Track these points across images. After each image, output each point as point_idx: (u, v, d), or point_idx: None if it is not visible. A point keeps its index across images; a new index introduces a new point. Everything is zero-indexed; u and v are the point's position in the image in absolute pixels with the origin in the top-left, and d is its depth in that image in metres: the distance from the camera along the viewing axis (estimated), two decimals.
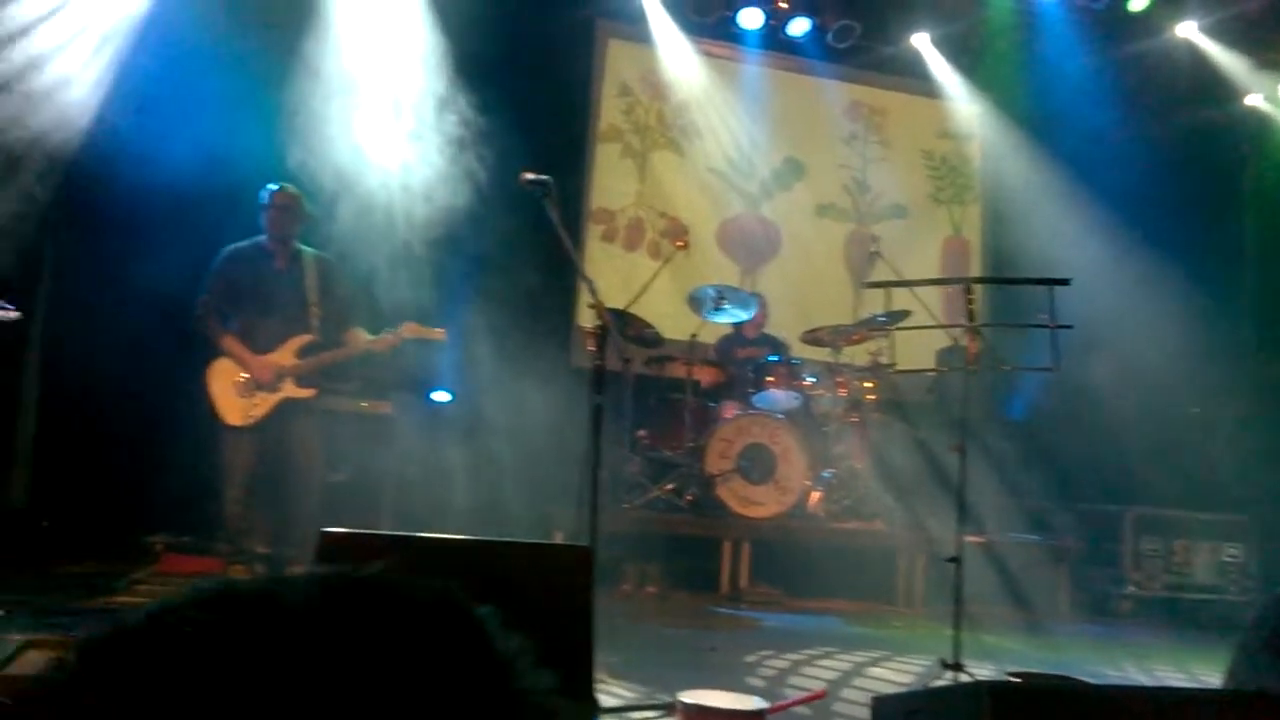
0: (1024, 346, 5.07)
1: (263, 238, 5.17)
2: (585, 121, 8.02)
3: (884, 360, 6.55)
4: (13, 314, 3.32)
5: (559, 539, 5.97)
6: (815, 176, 8.52)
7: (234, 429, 4.97)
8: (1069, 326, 3.53)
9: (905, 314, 5.91)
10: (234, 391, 4.98)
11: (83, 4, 5.88)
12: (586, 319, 7.23)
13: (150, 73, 5.93)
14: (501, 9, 6.97)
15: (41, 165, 5.39)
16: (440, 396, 6.57)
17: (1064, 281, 3.50)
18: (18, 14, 5.52)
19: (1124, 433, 6.92)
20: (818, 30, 7.93)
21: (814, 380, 6.72)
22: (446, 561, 2.52)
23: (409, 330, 5.15)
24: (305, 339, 5.07)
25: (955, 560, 3.47)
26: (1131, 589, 6.59)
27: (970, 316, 3.49)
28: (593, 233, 8.01)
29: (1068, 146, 7.94)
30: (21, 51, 5.49)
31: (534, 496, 6.36)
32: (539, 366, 6.98)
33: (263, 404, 4.99)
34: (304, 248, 5.27)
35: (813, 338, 6.89)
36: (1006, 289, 6.54)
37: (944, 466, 6.17)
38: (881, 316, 6.42)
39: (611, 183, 8.10)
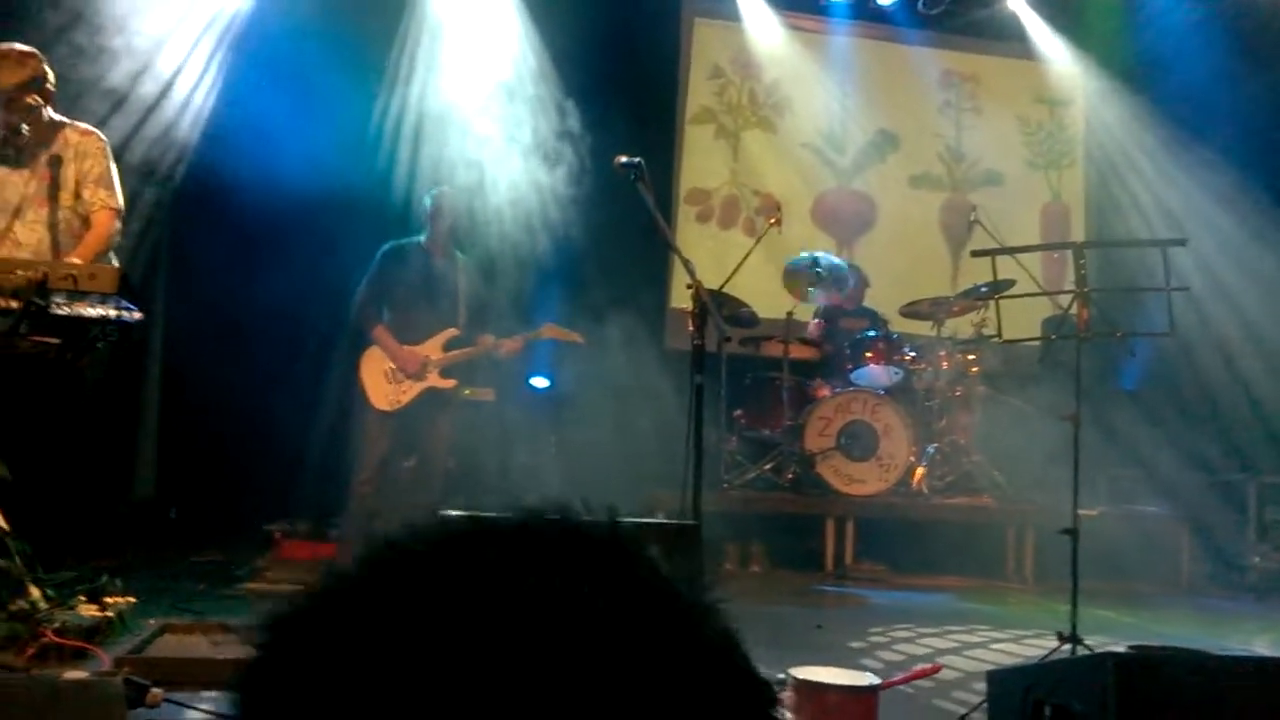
0: (1136, 312, 4.91)
1: (421, 237, 5.41)
2: (676, 104, 8.00)
3: (987, 332, 6.40)
4: (136, 314, 3.47)
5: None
6: (908, 147, 8.34)
7: (379, 413, 5.19)
8: (1185, 289, 3.40)
9: (1010, 283, 5.75)
10: (384, 378, 5.22)
11: (191, 13, 6.11)
12: (681, 300, 7.23)
13: (256, 79, 6.14)
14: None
15: (162, 171, 5.63)
16: (539, 382, 6.65)
17: (1180, 242, 3.37)
18: (136, 26, 5.78)
19: (1246, 398, 6.62)
20: None
21: (915, 354, 6.60)
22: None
23: (549, 331, 5.44)
24: (452, 333, 5.31)
25: (1071, 532, 3.38)
26: (1257, 560, 6.31)
27: (1080, 282, 3.39)
28: (687, 214, 8.00)
29: (1175, 101, 7.60)
30: (140, 61, 5.75)
31: (636, 480, 6.40)
32: (635, 350, 7.03)
33: (409, 391, 5.22)
34: (457, 250, 5.50)
35: (912, 311, 6.76)
36: (1115, 253, 6.30)
37: (1053, 439, 6.00)
38: (984, 286, 6.27)
39: (705, 163, 8.07)
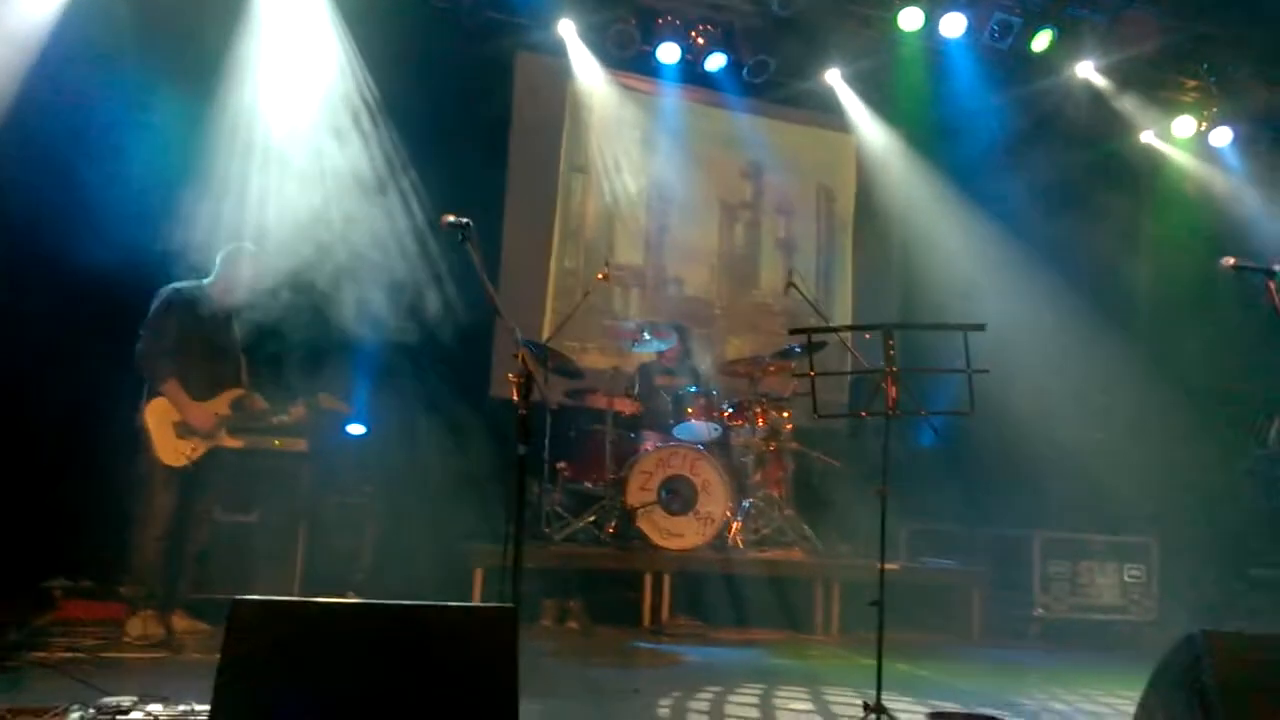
0: (931, 385, 5.21)
1: (205, 281, 5.20)
2: (506, 154, 7.98)
3: (801, 391, 6.67)
4: None
5: (479, 577, 5.90)
6: (728, 209, 8.65)
7: (166, 468, 4.97)
8: (986, 371, 3.63)
9: (821, 346, 6.03)
10: (172, 432, 5.00)
11: None
12: (505, 347, 7.20)
13: (50, 95, 5.70)
14: (420, 46, 6.95)
15: None
16: (355, 429, 6.45)
17: (979, 327, 3.60)
18: None
19: (1031, 459, 7.14)
20: (734, 65, 8.03)
21: (732, 410, 6.79)
22: (367, 630, 2.47)
23: (325, 401, 5.45)
24: (239, 392, 5.22)
25: (878, 604, 3.53)
26: (1040, 611, 6.79)
27: (890, 361, 3.57)
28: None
29: (973, 182, 8.21)
30: None
31: (453, 533, 6.28)
32: (457, 397, 6.93)
33: (199, 448, 5.07)
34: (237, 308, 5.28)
35: (731, 369, 6.97)
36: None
37: (860, 494, 6.30)
38: (798, 349, 6.55)
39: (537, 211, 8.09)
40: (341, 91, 6.45)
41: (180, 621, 5.05)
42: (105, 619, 5.21)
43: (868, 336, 4.37)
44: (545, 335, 7.27)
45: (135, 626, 4.90)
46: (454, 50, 7.38)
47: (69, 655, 4.50)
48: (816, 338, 5.90)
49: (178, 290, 5.12)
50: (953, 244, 8.12)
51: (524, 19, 7.65)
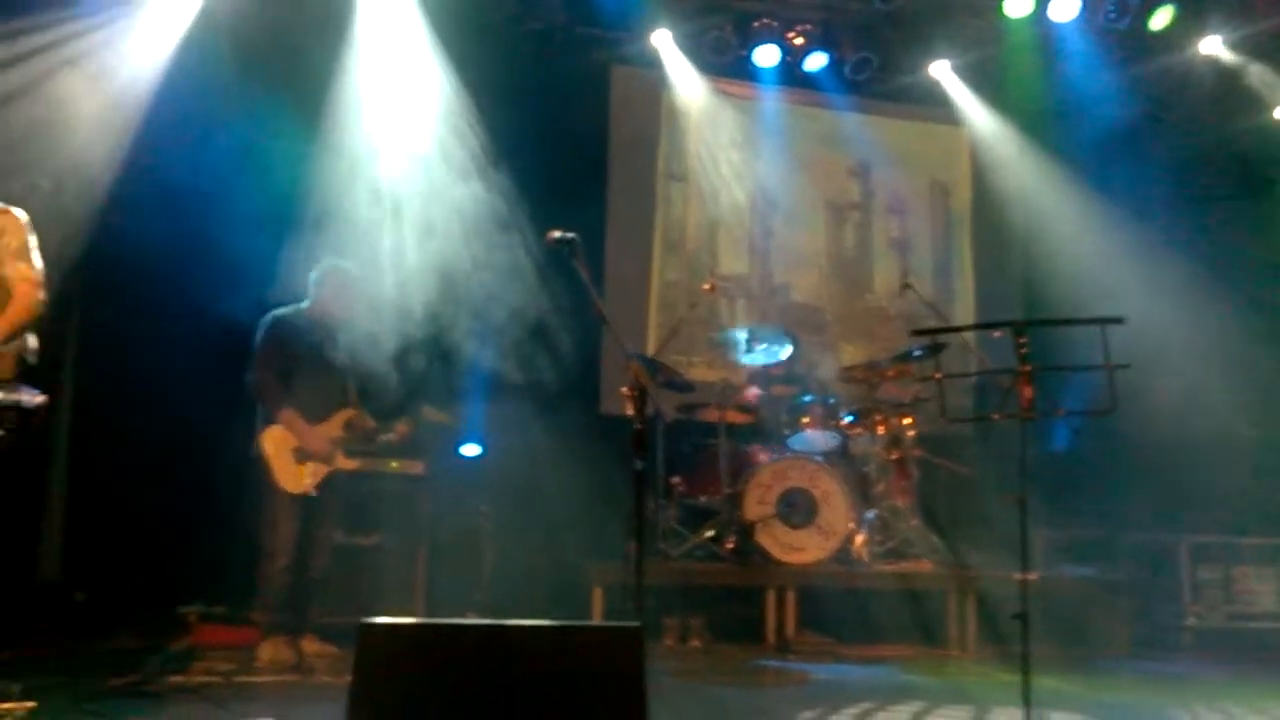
0: (1066, 382, 4.91)
1: (304, 305, 5.28)
2: (605, 168, 7.96)
3: (924, 396, 6.42)
4: (37, 399, 3.28)
5: (598, 595, 5.84)
6: (836, 210, 8.44)
7: (288, 495, 5.02)
8: (1126, 366, 3.39)
9: (942, 347, 5.77)
10: (291, 459, 5.05)
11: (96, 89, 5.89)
12: (614, 362, 7.16)
13: (164, 146, 5.92)
14: (516, 67, 7.00)
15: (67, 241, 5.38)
16: (470, 450, 6.46)
17: (1118, 320, 3.36)
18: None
19: (1174, 459, 6.71)
20: (835, 64, 7.85)
21: (851, 419, 6.58)
22: (494, 651, 2.40)
23: (427, 414, 5.54)
24: (351, 414, 5.25)
25: (1021, 617, 3.31)
26: (1192, 620, 6.36)
27: (1022, 361, 3.36)
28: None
29: (1093, 168, 7.82)
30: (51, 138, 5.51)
31: (571, 550, 6.25)
32: (569, 415, 6.90)
33: (318, 473, 5.11)
34: (342, 325, 5.33)
35: (847, 375, 6.76)
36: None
37: (990, 502, 6.02)
38: (918, 351, 6.30)
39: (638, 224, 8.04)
40: (442, 115, 6.50)
41: (311, 645, 5.10)
42: (238, 643, 5.32)
43: (996, 335, 4.14)
44: (651, 349, 7.19)
45: (266, 651, 4.98)
46: (548, 69, 7.39)
47: (206, 680, 4.60)
48: (938, 339, 5.67)
49: (278, 317, 5.19)
50: (1077, 234, 7.72)
51: (618, 33, 7.63)
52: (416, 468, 5.84)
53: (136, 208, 5.71)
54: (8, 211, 3.96)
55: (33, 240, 3.96)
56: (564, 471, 6.41)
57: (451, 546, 6.11)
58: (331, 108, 6.34)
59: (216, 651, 5.23)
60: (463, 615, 6.01)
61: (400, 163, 6.19)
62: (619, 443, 6.10)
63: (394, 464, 5.76)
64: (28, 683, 3.92)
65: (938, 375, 3.78)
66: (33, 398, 3.26)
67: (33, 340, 3.85)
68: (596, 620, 5.73)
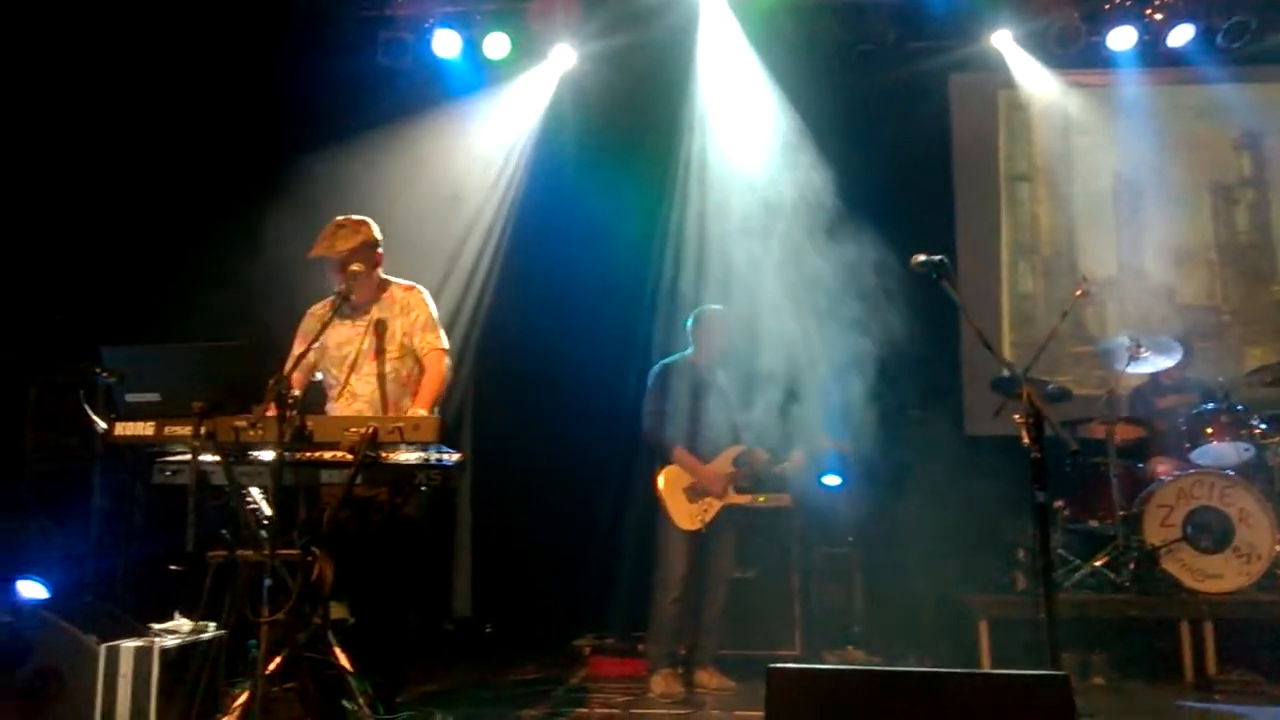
0: None
1: (689, 352, 5.54)
2: (950, 183, 7.66)
3: None
4: (454, 457, 3.64)
5: (984, 629, 5.54)
6: (1222, 191, 7.51)
7: (683, 531, 5.26)
8: None
9: None
10: (684, 497, 5.32)
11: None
12: (976, 382, 6.83)
13: (543, 209, 6.47)
14: (852, 88, 6.94)
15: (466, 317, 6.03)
16: (832, 480, 6.40)
17: None
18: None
19: None
20: (1203, 34, 7.03)
21: (1266, 427, 5.79)
22: (907, 699, 2.33)
23: (822, 442, 5.66)
24: (739, 449, 5.42)
25: None
26: None
27: None
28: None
29: None
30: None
31: (948, 581, 5.99)
32: (931, 438, 6.64)
33: (711, 509, 5.33)
34: (721, 367, 5.54)
35: (1257, 379, 5.96)
36: None
37: None
38: None
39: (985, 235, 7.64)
40: (786, 143, 6.56)
41: (712, 679, 5.26)
42: (628, 675, 5.62)
43: None
44: (1019, 366, 6.74)
45: (658, 684, 5.19)
46: (885, 87, 7.24)
47: (606, 711, 4.87)
48: None
49: (665, 365, 5.51)
50: None
51: (953, 40, 7.34)
52: (784, 500, 5.88)
53: (514, 277, 6.30)
54: (413, 288, 4.34)
55: (435, 313, 4.34)
56: (930, 498, 6.18)
57: (822, 579, 6.09)
58: (683, 161, 6.66)
59: (610, 683, 5.54)
60: (842, 649, 5.97)
61: (751, 192, 6.31)
62: (986, 466, 5.85)
63: (761, 498, 5.83)
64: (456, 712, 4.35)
65: None
66: (450, 455, 3.61)
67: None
68: (986, 657, 5.44)
